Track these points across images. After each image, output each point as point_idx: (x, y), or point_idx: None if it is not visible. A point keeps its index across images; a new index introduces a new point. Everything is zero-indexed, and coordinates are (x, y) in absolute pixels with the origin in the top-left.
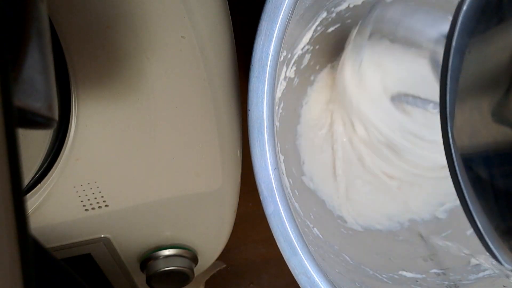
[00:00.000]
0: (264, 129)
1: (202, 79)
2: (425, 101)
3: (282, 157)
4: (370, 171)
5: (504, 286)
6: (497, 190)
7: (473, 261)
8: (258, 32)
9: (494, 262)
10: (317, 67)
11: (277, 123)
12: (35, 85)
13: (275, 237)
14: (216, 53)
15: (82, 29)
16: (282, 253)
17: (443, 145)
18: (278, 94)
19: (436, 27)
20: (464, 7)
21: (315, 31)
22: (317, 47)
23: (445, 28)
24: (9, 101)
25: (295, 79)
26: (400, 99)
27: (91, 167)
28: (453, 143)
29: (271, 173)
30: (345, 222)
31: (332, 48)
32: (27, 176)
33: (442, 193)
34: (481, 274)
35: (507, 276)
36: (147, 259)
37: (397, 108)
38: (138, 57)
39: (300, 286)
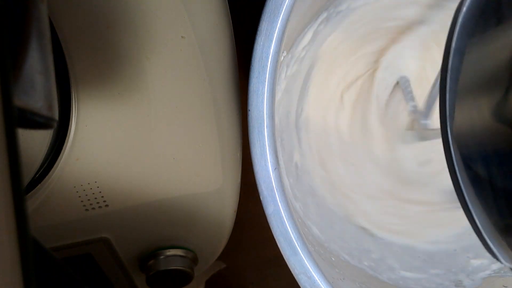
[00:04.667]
0: (264, 129)
1: (202, 79)
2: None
3: (282, 157)
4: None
5: (504, 286)
6: (496, 189)
7: (473, 261)
8: (258, 32)
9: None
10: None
11: (277, 123)
12: (35, 85)
13: (275, 237)
14: (216, 53)
15: (82, 29)
16: (282, 253)
17: (442, 144)
18: (278, 94)
19: None
20: (464, 8)
21: (315, 31)
22: (317, 47)
23: None
24: (9, 101)
25: (296, 79)
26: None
27: (91, 167)
28: (452, 142)
29: (271, 173)
30: (344, 222)
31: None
32: (27, 176)
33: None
34: (481, 274)
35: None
36: (147, 259)
37: None
38: (138, 57)
39: (300, 286)
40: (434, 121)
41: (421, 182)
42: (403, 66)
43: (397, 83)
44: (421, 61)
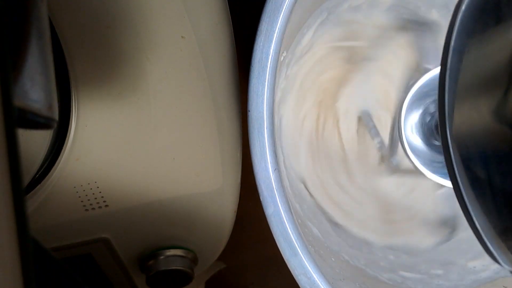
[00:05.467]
0: (264, 129)
1: (202, 79)
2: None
3: (282, 158)
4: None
5: (504, 287)
6: (495, 190)
7: (473, 262)
8: (258, 32)
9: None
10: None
11: (277, 123)
12: (35, 85)
13: (275, 237)
14: (216, 53)
15: (82, 29)
16: (282, 254)
17: (442, 144)
18: (278, 94)
19: None
20: (463, 7)
21: (315, 31)
22: (317, 47)
23: None
24: (9, 101)
25: (296, 79)
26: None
27: (91, 167)
28: (451, 143)
29: (271, 174)
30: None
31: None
32: (27, 176)
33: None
34: (481, 275)
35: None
36: (147, 259)
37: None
38: (138, 57)
39: (300, 286)
40: (400, 158)
41: (407, 208)
42: (362, 99)
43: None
44: (379, 93)
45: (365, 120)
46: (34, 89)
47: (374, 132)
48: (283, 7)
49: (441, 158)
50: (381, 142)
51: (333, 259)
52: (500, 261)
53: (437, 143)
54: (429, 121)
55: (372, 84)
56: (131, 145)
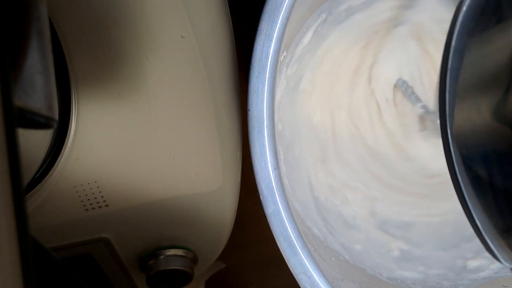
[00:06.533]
0: (264, 129)
1: (202, 79)
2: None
3: (282, 157)
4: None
5: (504, 286)
6: (496, 189)
7: (473, 261)
8: (258, 32)
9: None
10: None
11: (277, 123)
12: (35, 85)
13: (275, 237)
14: (216, 53)
15: (82, 29)
16: (282, 253)
17: (442, 144)
18: (278, 94)
19: None
20: (464, 7)
21: (315, 31)
22: (317, 47)
23: None
24: (9, 101)
25: (296, 78)
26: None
27: (91, 167)
28: (452, 142)
29: (271, 173)
30: (343, 221)
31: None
32: (27, 176)
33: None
34: (480, 274)
35: None
36: (147, 259)
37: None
38: (138, 57)
39: (300, 286)
40: None
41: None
42: (395, 69)
43: (395, 86)
44: (409, 61)
45: (401, 87)
46: (34, 89)
47: (414, 98)
48: (283, 7)
49: None
50: (425, 107)
51: (333, 258)
52: (501, 259)
53: None
54: None
55: (401, 51)
56: (131, 145)
